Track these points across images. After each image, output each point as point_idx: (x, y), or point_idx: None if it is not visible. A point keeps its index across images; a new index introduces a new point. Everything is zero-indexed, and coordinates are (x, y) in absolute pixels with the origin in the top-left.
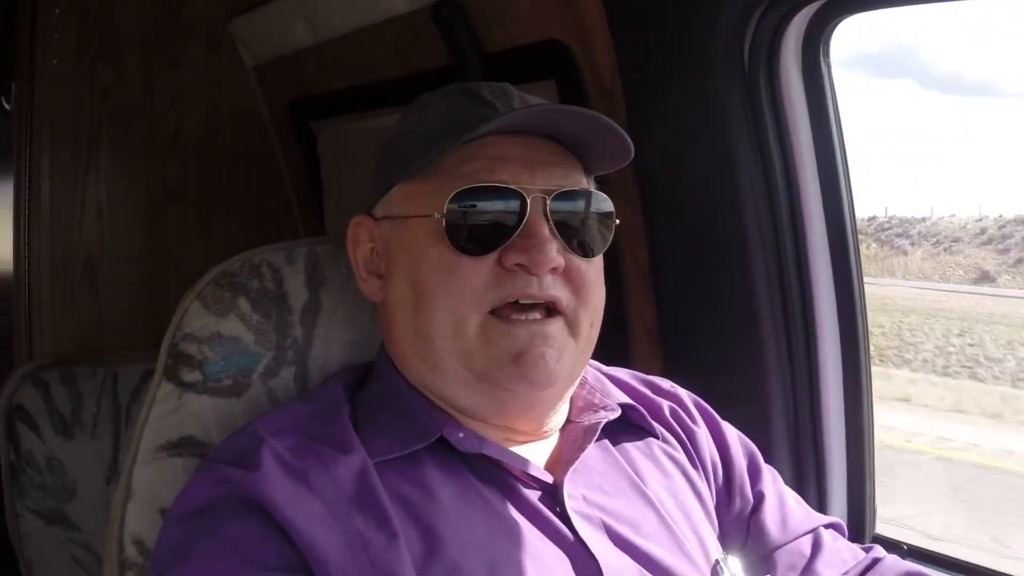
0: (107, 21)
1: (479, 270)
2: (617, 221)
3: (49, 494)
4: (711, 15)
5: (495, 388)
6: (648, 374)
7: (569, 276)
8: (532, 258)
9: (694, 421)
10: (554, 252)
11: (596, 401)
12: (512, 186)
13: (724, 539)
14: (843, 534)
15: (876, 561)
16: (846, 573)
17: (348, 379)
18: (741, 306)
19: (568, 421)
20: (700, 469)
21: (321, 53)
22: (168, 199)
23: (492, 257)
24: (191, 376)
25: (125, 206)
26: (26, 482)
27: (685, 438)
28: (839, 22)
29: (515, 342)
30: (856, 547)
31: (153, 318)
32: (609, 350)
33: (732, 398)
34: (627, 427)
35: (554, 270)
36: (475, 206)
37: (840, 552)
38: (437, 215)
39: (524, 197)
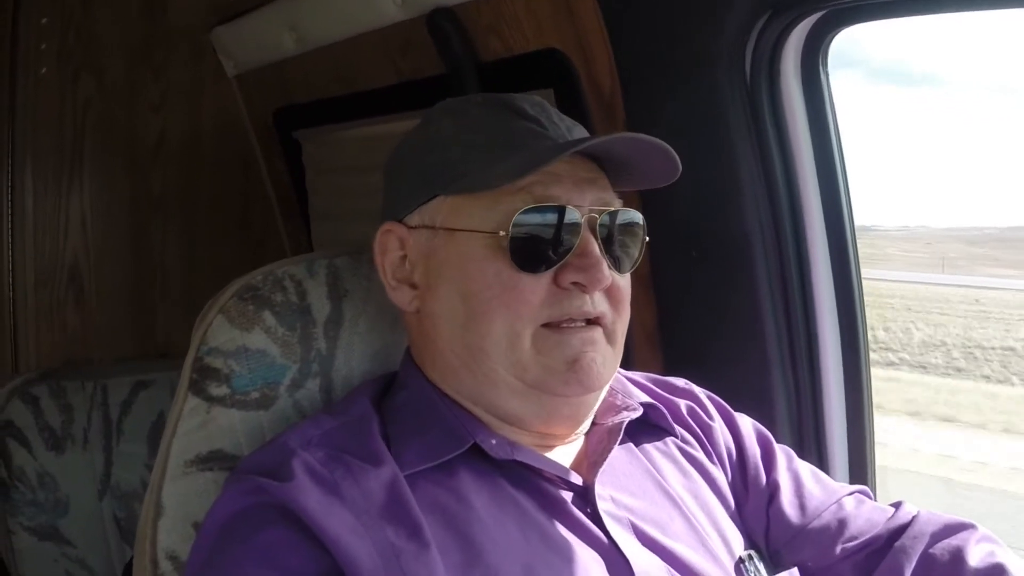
0: (89, 30)
1: (537, 287)
2: (647, 238)
3: (42, 510)
4: (714, 25)
5: (546, 395)
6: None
7: (610, 292)
8: (590, 276)
9: (710, 417)
10: (607, 271)
11: (618, 402)
12: (568, 205)
13: (746, 530)
14: (871, 497)
15: (911, 518)
16: (878, 535)
17: (373, 392)
18: (743, 307)
19: (592, 423)
20: (719, 464)
21: (307, 62)
22: (152, 208)
23: (549, 275)
24: (219, 390)
25: (109, 216)
26: (18, 499)
27: (702, 435)
28: (837, 32)
29: (569, 350)
30: (884, 507)
31: (139, 328)
32: None
33: (734, 399)
34: (647, 428)
35: (603, 288)
36: (535, 225)
37: (867, 515)
38: (502, 232)
39: (579, 216)
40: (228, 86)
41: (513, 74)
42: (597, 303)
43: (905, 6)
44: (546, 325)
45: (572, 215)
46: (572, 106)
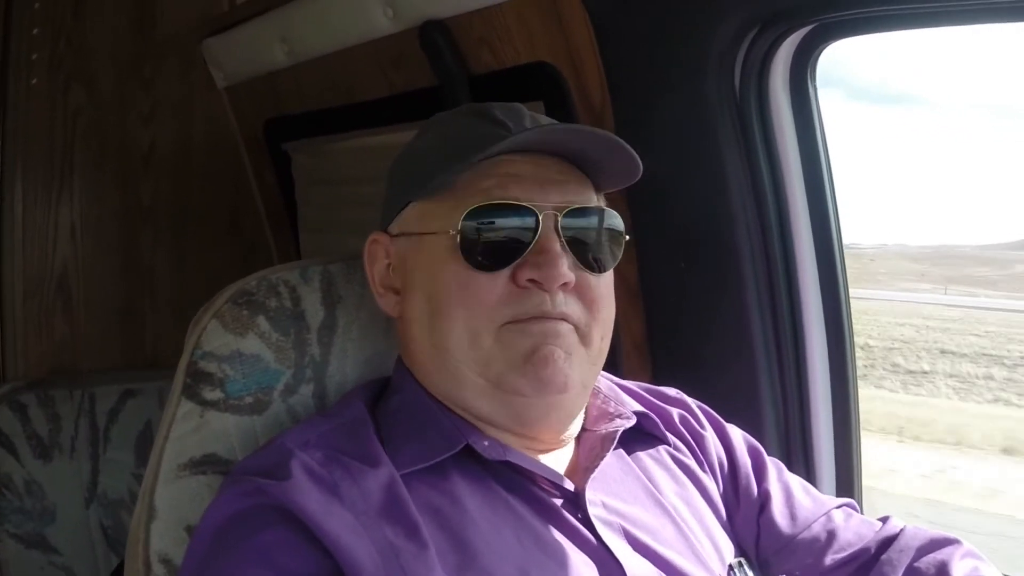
0: (80, 40)
1: (493, 286)
2: (627, 237)
3: (29, 518)
4: (703, 38)
5: (510, 395)
6: None
7: (580, 292)
8: (544, 273)
9: (701, 426)
10: (565, 268)
11: (611, 410)
12: (524, 203)
13: (737, 539)
14: (857, 511)
15: (898, 532)
16: (866, 547)
17: (367, 395)
18: (731, 317)
19: (584, 430)
20: (710, 473)
21: (298, 74)
22: (142, 219)
23: (505, 273)
24: (212, 394)
25: (98, 225)
26: (5, 506)
27: (694, 444)
28: (826, 46)
29: (529, 339)
30: (871, 521)
31: (127, 338)
32: None
33: (723, 407)
34: (640, 436)
35: (565, 285)
36: (489, 223)
37: (855, 528)
38: (452, 232)
39: (536, 214)
40: (218, 97)
41: (504, 86)
42: (559, 303)
43: (892, 21)
44: (510, 324)
45: (525, 212)
46: (562, 118)
